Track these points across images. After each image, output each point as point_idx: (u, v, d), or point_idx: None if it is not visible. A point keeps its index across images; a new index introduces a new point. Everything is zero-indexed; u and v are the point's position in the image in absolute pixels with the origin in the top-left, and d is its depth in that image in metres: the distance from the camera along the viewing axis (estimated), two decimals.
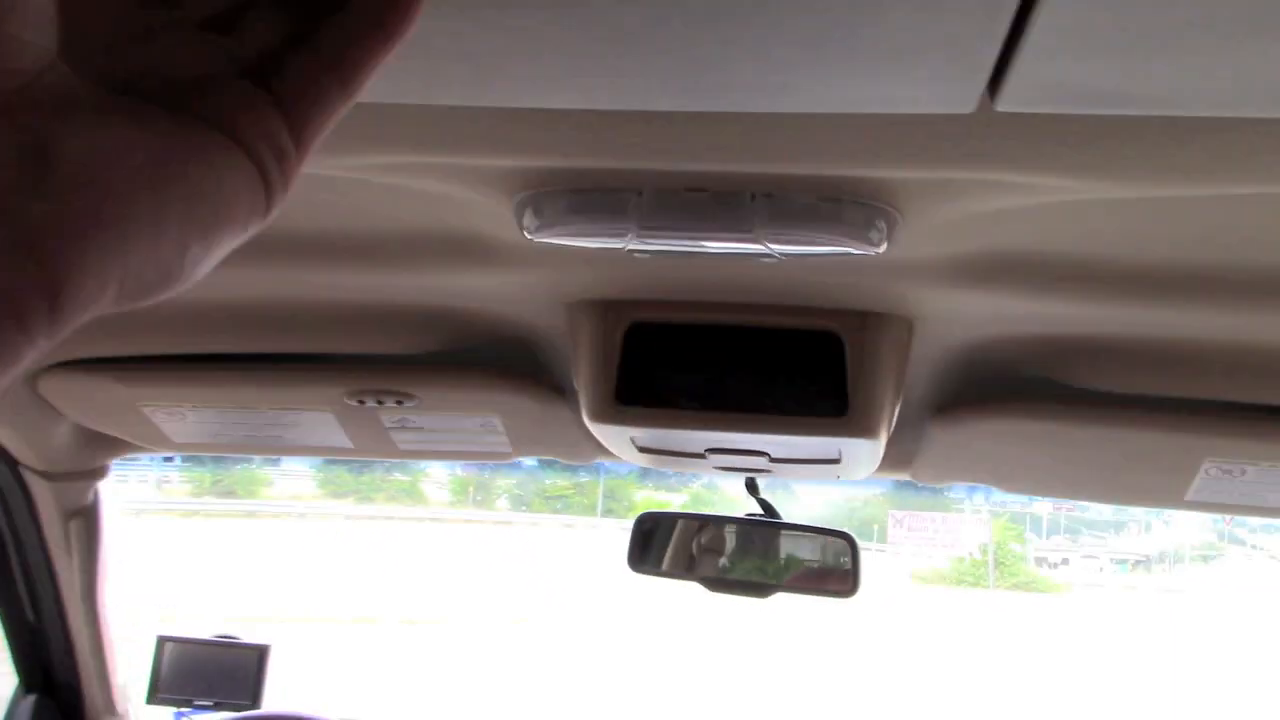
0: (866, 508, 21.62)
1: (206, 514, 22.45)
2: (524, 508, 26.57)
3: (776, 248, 0.93)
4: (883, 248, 0.92)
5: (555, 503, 25.67)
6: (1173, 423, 1.39)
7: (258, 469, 25.12)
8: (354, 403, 1.55)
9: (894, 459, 1.61)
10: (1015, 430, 1.47)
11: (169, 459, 24.63)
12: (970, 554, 20.11)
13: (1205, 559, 30.13)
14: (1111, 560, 29.22)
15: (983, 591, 19.07)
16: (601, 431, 1.40)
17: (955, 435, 1.52)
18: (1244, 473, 1.48)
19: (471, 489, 26.77)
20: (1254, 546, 31.63)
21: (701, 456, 1.50)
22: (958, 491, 23.72)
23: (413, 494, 26.26)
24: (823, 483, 1.79)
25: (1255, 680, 13.95)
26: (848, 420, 1.28)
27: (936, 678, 13.09)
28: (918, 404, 1.49)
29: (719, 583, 1.93)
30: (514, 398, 1.55)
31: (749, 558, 1.91)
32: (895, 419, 1.38)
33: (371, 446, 1.75)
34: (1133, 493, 1.67)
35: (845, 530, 1.90)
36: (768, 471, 1.62)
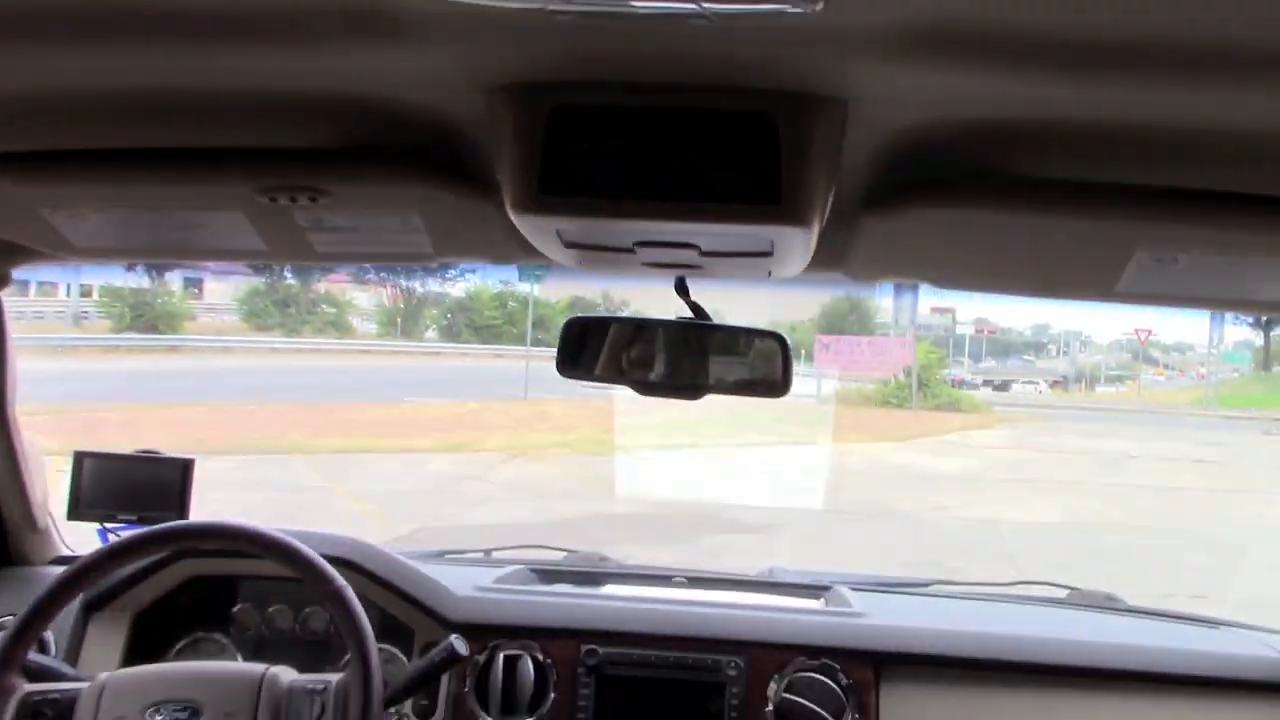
0: (794, 334, 21.85)
1: (128, 350, 22.11)
2: (453, 338, 26.54)
3: (709, 5, 0.88)
4: (819, 4, 0.87)
5: (484, 333, 25.63)
6: (1107, 209, 1.37)
7: (179, 303, 24.71)
8: (265, 200, 1.47)
9: (826, 256, 1.58)
10: (949, 220, 1.45)
11: (85, 294, 24.19)
12: (895, 376, 20.52)
13: (1120, 379, 31.08)
14: (1046, 382, 30.03)
15: (906, 413, 19.60)
16: (526, 224, 1.35)
17: (888, 228, 1.50)
18: (1175, 261, 1.48)
19: (399, 320, 26.65)
20: (1166, 366, 32.71)
21: (630, 251, 1.47)
22: (884, 317, 24.13)
23: (339, 326, 26.05)
24: (754, 283, 1.76)
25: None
26: (781, 208, 1.25)
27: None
28: (851, 196, 1.45)
29: (650, 385, 1.92)
30: (435, 193, 1.49)
31: (680, 360, 1.89)
32: (828, 210, 1.35)
33: (287, 249, 1.69)
34: (1065, 285, 1.67)
35: (776, 330, 1.89)
36: (698, 268, 1.58)
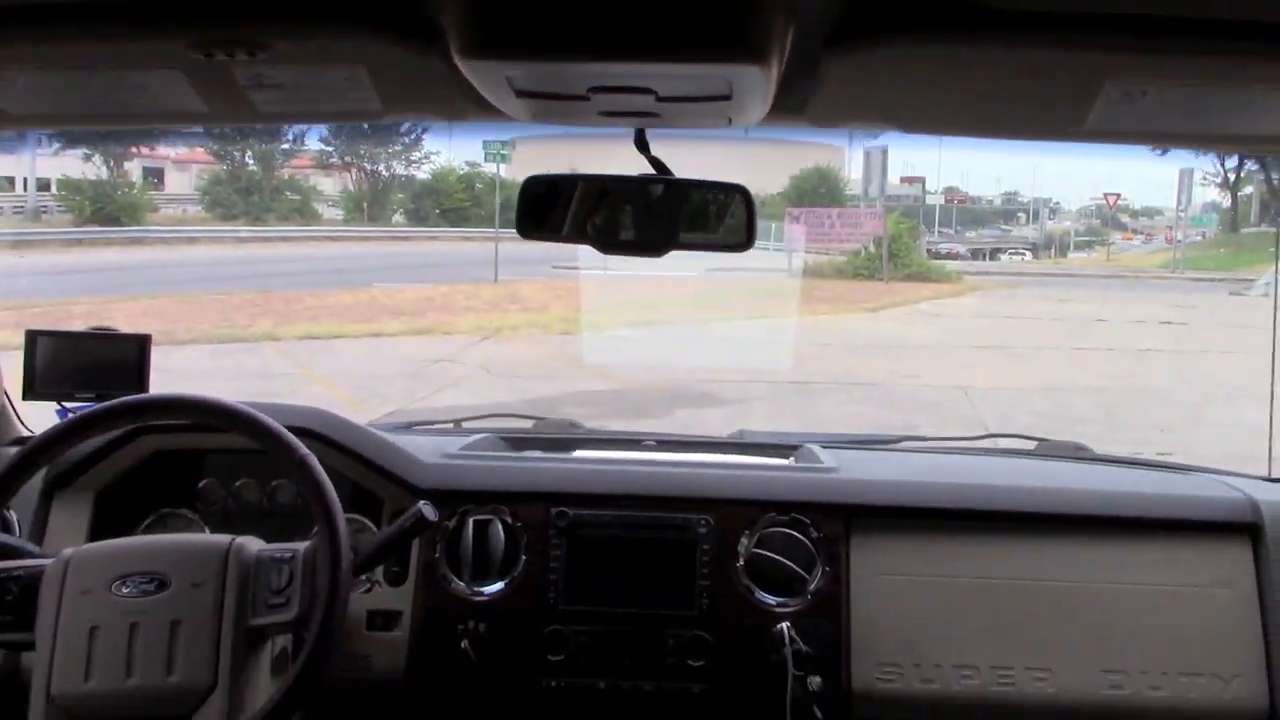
0: (764, 208, 21.65)
1: (90, 243, 21.78)
2: (421, 222, 26.24)
3: None
4: None
5: (452, 216, 25.33)
6: (1075, 39, 1.33)
7: (139, 194, 24.30)
8: (201, 56, 1.40)
9: (787, 101, 1.53)
10: (913, 57, 1.40)
11: (44, 187, 23.75)
12: (865, 248, 20.44)
13: (1090, 245, 31.17)
14: (1033, 247, 30.15)
15: (877, 283, 19.60)
16: (474, 71, 1.30)
17: (851, 69, 1.45)
18: (1144, 95, 1.44)
19: (365, 205, 26.29)
20: (1135, 231, 32.84)
21: (585, 99, 1.42)
22: (854, 189, 23.95)
23: (305, 213, 25.67)
24: (715, 131, 1.71)
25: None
26: (738, 45, 1.20)
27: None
28: (811, 35, 1.40)
29: (613, 243, 1.88)
30: (379, 44, 1.42)
31: (643, 216, 1.85)
32: (788, 49, 1.30)
33: (229, 109, 1.62)
34: (1033, 124, 1.63)
35: (739, 184, 1.84)
36: (655, 116, 1.54)
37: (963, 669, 2.11)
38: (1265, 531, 2.17)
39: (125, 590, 1.73)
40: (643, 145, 1.77)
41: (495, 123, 1.67)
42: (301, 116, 1.72)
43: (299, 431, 1.91)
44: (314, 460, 1.81)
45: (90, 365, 2.33)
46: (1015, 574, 2.16)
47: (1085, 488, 2.29)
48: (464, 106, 1.61)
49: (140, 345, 2.33)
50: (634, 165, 1.79)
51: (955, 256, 26.17)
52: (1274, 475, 2.52)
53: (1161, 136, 1.67)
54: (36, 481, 2.15)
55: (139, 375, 2.31)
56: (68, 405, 2.34)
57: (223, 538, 1.82)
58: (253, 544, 1.82)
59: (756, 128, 1.72)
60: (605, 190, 1.86)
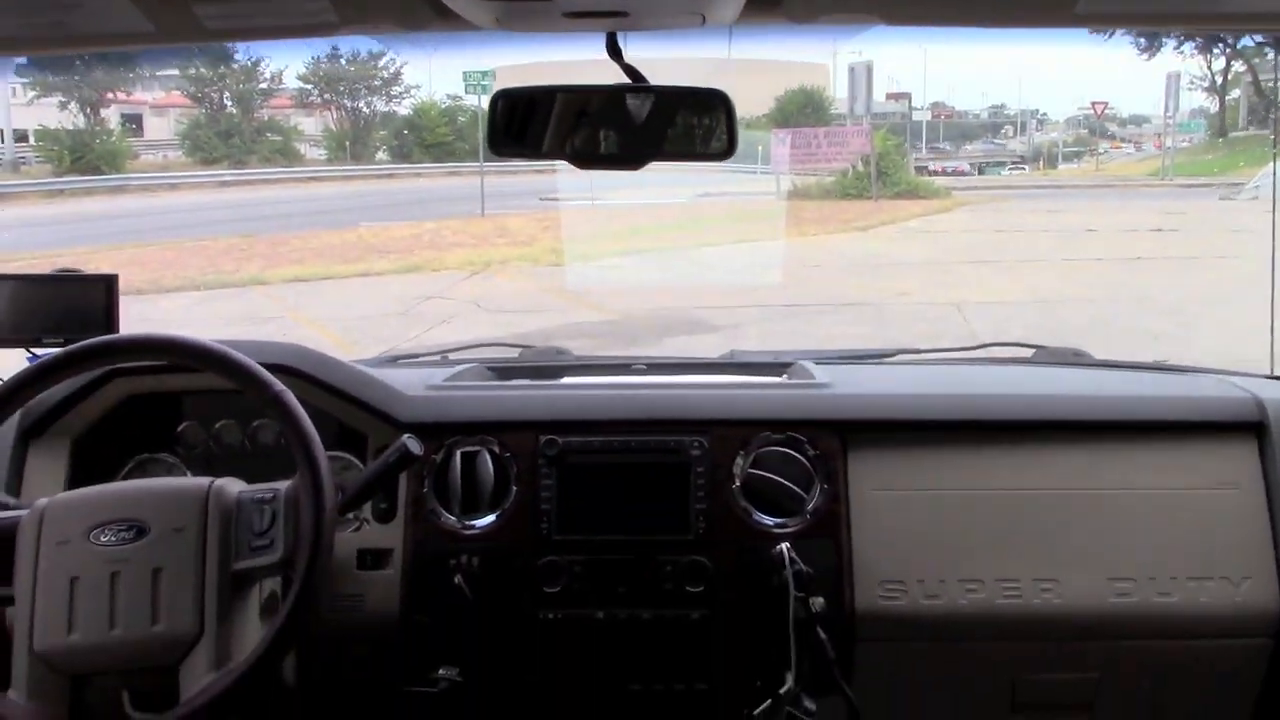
0: (749, 130, 21.43)
1: (72, 193, 21.58)
2: (405, 159, 26.04)
3: None
4: None
5: (436, 151, 25.11)
6: None
7: (119, 141, 24.05)
8: None
9: None
10: None
11: (21, 139, 23.49)
12: (854, 166, 20.25)
13: (1078, 155, 31.02)
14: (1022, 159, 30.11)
15: (867, 202, 19.46)
16: None
17: None
18: None
19: (348, 144, 26.05)
20: (1123, 139, 32.71)
21: None
22: (840, 108, 23.74)
23: (287, 154, 25.43)
24: (689, 32, 1.63)
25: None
26: None
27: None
28: None
29: (593, 158, 1.80)
30: None
31: (622, 129, 1.76)
32: None
33: (176, 27, 1.53)
34: (1020, 10, 1.56)
35: (719, 89, 1.76)
36: (625, 16, 1.46)
37: (968, 583, 2.06)
38: (1271, 430, 2.11)
39: (104, 539, 1.67)
40: (615, 51, 1.69)
41: (459, 33, 1.59)
42: (254, 33, 1.63)
43: (276, 369, 1.84)
44: (290, 397, 1.74)
45: (57, 309, 2.25)
46: (1017, 484, 2.11)
47: (1086, 393, 2.24)
48: (424, 14, 1.53)
49: (108, 286, 2.26)
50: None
51: (960, 174, 26.09)
52: (1276, 373, 2.47)
53: (1154, 18, 1.60)
54: (9, 431, 2.09)
55: (107, 317, 2.24)
56: (36, 352, 2.27)
57: (202, 480, 1.76)
58: (233, 485, 1.76)
59: (735, 31, 1.64)
60: (577, 101, 1.78)
